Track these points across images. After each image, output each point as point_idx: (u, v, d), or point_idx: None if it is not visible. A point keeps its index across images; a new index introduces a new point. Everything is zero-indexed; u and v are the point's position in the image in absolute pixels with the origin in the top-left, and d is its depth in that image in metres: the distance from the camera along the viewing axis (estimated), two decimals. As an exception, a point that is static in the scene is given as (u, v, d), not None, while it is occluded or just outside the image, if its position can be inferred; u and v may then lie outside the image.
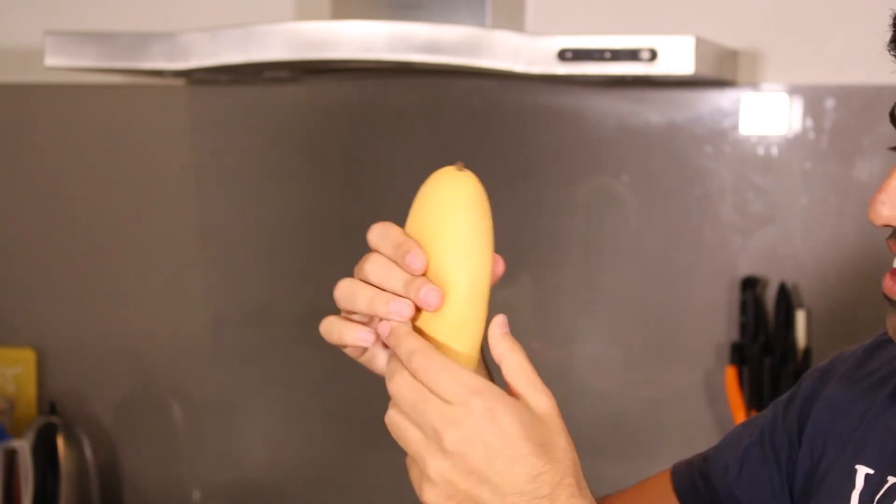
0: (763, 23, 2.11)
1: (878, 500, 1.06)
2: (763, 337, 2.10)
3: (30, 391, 2.41)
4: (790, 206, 2.12)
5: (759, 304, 2.11)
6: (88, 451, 2.33)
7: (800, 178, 2.12)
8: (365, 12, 2.04)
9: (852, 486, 1.10)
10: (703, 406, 2.16)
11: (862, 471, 1.10)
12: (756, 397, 2.10)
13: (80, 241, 2.41)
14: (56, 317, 2.43)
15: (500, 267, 0.99)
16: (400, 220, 1.00)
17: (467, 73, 2.08)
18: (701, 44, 1.86)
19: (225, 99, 2.33)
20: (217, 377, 2.38)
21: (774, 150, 2.12)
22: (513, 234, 2.22)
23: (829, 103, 2.09)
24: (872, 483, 1.08)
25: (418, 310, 0.97)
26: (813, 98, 2.10)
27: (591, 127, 2.19)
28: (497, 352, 0.97)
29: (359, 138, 2.29)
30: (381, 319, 0.98)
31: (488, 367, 1.08)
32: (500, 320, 0.98)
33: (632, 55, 1.84)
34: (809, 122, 2.10)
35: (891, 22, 0.98)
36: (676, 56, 1.83)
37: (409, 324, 0.97)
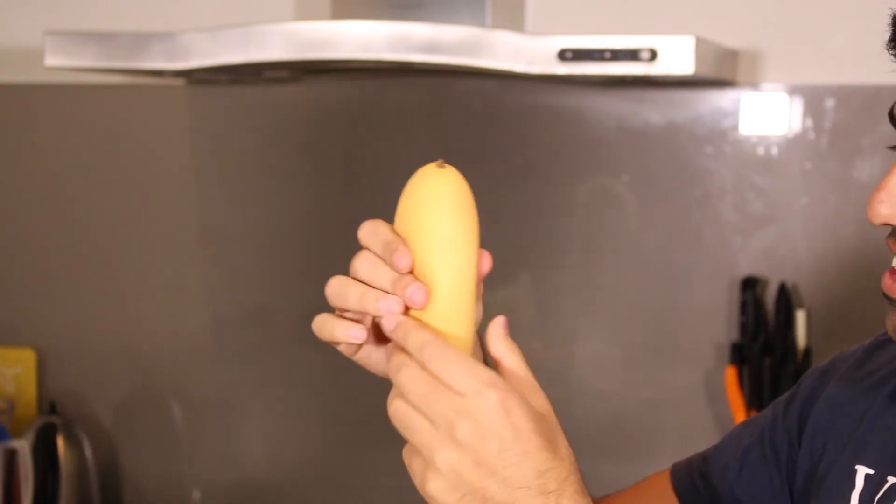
0: (763, 23, 2.11)
1: (878, 500, 1.06)
2: (763, 337, 2.10)
3: (30, 391, 2.41)
4: (790, 206, 2.12)
5: (759, 304, 2.11)
6: (88, 451, 2.33)
7: (800, 178, 2.12)
8: (365, 12, 2.04)
9: (852, 486, 1.09)
10: (703, 406, 2.16)
11: (862, 471, 1.10)
12: (756, 397, 2.10)
13: (80, 241, 2.41)
14: (56, 317, 2.43)
15: (487, 263, 0.99)
16: (399, 220, 1.00)
17: (467, 73, 2.09)
18: (701, 44, 1.86)
19: (225, 99, 2.33)
20: (217, 377, 2.38)
21: (774, 150, 2.12)
22: (513, 234, 2.22)
23: (829, 103, 2.09)
24: (872, 483, 1.08)
25: (407, 306, 0.97)
26: (813, 98, 2.10)
27: (591, 127, 2.19)
28: (497, 351, 0.97)
29: (359, 138, 2.29)
30: (374, 317, 0.99)
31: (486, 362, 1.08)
32: (500, 321, 0.98)
33: (632, 55, 1.84)
34: (809, 122, 2.10)
35: (890, 21, 0.98)
36: (676, 56, 1.83)
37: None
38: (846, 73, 2.08)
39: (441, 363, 0.93)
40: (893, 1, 0.99)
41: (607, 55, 1.85)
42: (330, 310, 1.02)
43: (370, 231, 0.99)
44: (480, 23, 2.02)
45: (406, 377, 0.94)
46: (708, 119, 2.14)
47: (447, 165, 0.98)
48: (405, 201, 0.98)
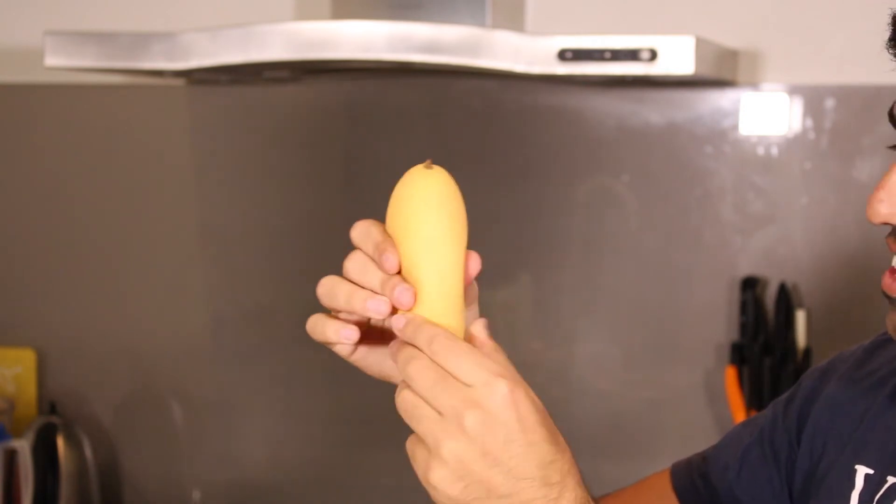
0: (763, 23, 2.11)
1: (878, 500, 1.06)
2: (763, 337, 2.10)
3: (30, 391, 2.41)
4: (790, 206, 2.12)
5: (759, 304, 2.11)
6: (88, 451, 2.33)
7: (800, 178, 2.12)
8: (365, 12, 2.04)
9: (852, 486, 1.10)
10: (703, 406, 2.16)
11: (862, 471, 1.10)
12: (756, 397, 2.10)
13: (80, 241, 2.41)
14: (56, 317, 2.43)
15: (475, 264, 1.00)
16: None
17: (467, 73, 2.08)
18: (701, 44, 1.86)
19: (225, 99, 2.33)
20: (217, 377, 2.38)
21: (774, 150, 2.12)
22: (513, 234, 2.22)
23: (829, 103, 2.09)
24: (872, 483, 1.08)
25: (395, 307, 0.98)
26: (813, 98, 2.10)
27: (591, 127, 2.19)
28: (484, 351, 0.97)
29: (359, 138, 2.29)
30: (370, 319, 1.00)
31: None
32: (482, 322, 0.99)
33: (632, 55, 1.84)
34: (809, 122, 2.10)
35: (890, 21, 0.98)
36: (676, 56, 1.83)
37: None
38: (846, 73, 2.08)
39: (450, 355, 0.94)
40: (893, 1, 0.99)
41: (607, 55, 1.85)
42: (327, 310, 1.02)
43: (362, 231, 1.00)
44: (480, 23, 2.02)
45: (415, 368, 0.94)
46: (708, 119, 2.14)
47: (435, 166, 0.99)
48: (394, 202, 0.99)
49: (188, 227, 2.37)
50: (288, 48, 1.93)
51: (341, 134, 2.30)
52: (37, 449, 2.29)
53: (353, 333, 1.00)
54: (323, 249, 2.29)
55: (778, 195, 2.13)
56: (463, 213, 0.99)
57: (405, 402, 0.95)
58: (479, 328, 0.98)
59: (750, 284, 2.11)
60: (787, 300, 2.09)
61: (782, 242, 2.13)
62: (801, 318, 2.10)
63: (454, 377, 0.93)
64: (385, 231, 0.99)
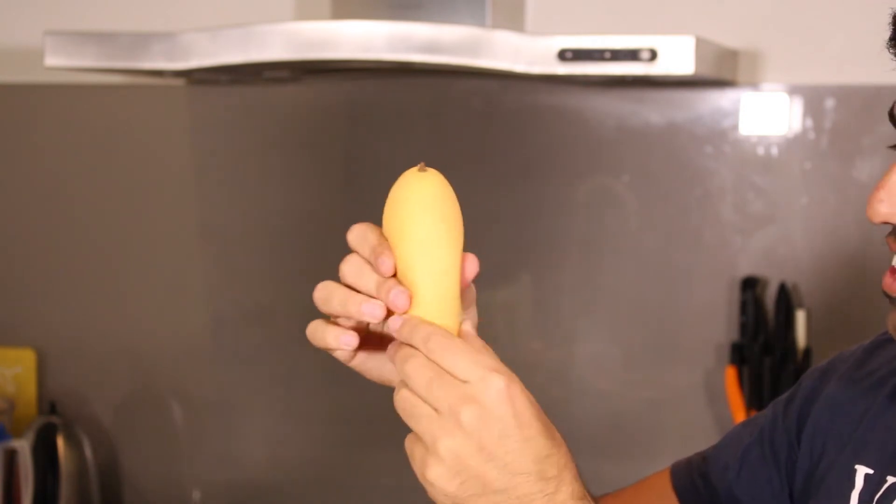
0: (763, 23, 2.11)
1: (878, 499, 1.07)
2: (763, 337, 2.10)
3: (30, 391, 2.41)
4: (790, 206, 2.12)
5: (759, 304, 2.11)
6: (88, 451, 2.33)
7: (800, 178, 2.12)
8: (365, 12, 2.04)
9: (852, 486, 1.10)
10: (703, 406, 2.16)
11: (861, 471, 1.10)
12: (756, 397, 2.10)
13: (80, 241, 2.41)
14: (56, 317, 2.43)
15: (472, 265, 1.00)
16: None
17: (467, 73, 2.08)
18: (701, 44, 1.86)
19: (225, 99, 2.33)
20: (217, 377, 2.38)
21: (774, 150, 2.12)
22: (513, 234, 2.22)
23: (829, 103, 2.09)
24: (872, 483, 1.08)
25: (390, 310, 0.98)
26: (813, 98, 2.10)
27: (591, 127, 2.19)
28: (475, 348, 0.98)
29: (359, 138, 2.29)
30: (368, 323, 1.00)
31: None
32: (471, 322, 1.00)
33: (632, 55, 1.84)
34: (809, 122, 2.10)
35: (890, 21, 0.98)
36: (676, 56, 1.83)
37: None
38: (846, 73, 2.08)
39: (446, 353, 0.94)
40: (893, 1, 0.99)
41: (607, 55, 1.85)
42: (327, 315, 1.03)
43: (359, 235, 1.00)
44: (480, 23, 2.02)
45: (412, 367, 0.95)
46: (708, 119, 2.14)
47: (429, 169, 0.99)
48: (388, 205, 0.99)
49: (188, 227, 2.37)
50: (288, 48, 1.93)
51: (341, 134, 2.30)
52: (37, 449, 2.29)
53: (353, 339, 1.00)
54: (323, 250, 2.29)
55: (778, 195, 2.13)
56: (458, 215, 0.99)
57: (403, 400, 0.95)
58: (468, 327, 0.99)
59: (750, 284, 2.11)
60: (787, 300, 2.09)
61: (782, 242, 2.13)
62: (801, 318, 2.10)
63: (450, 374, 0.94)
64: (381, 234, 0.99)
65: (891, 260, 1.00)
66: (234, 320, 2.36)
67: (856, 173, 2.08)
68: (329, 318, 1.02)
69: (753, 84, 2.12)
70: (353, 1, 2.07)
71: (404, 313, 0.97)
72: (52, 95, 2.39)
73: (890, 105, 1.00)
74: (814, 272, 2.11)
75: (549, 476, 0.94)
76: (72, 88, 2.37)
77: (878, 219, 0.98)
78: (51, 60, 2.02)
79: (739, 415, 2.09)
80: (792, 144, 2.11)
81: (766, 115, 2.12)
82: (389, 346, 1.00)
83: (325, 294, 1.00)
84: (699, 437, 2.06)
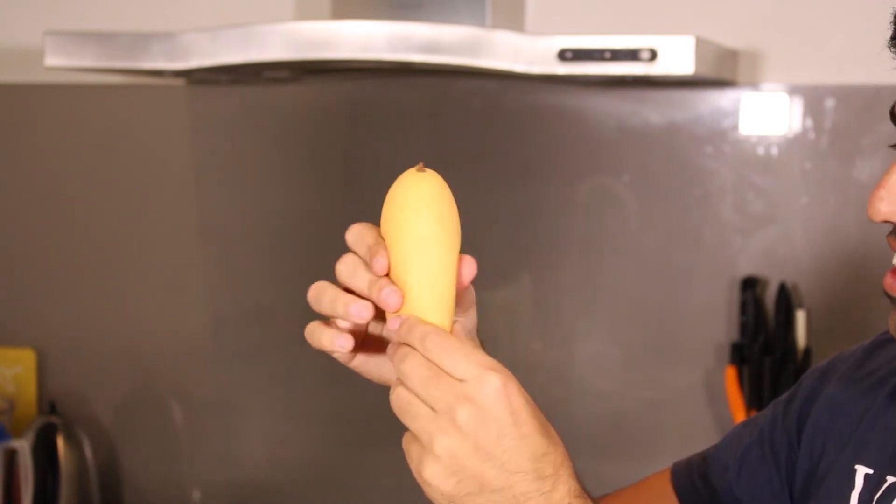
0: (763, 23, 2.11)
1: (878, 499, 1.06)
2: (763, 337, 2.10)
3: (30, 391, 2.41)
4: (790, 206, 2.12)
5: (759, 304, 2.11)
6: (88, 451, 2.33)
7: (800, 178, 2.12)
8: (365, 12, 2.04)
9: (852, 486, 1.10)
10: (703, 406, 2.16)
11: (861, 471, 1.10)
12: (756, 397, 2.10)
13: (80, 241, 2.41)
14: (56, 317, 2.43)
15: (470, 267, 1.00)
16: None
17: (467, 73, 2.08)
18: (701, 44, 1.86)
19: (225, 99, 2.33)
20: (217, 377, 2.38)
21: (774, 150, 2.12)
22: (513, 234, 2.22)
23: (829, 103, 2.09)
24: (872, 483, 1.08)
25: (381, 311, 0.98)
26: (813, 98, 2.10)
27: (591, 127, 2.19)
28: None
29: (359, 138, 2.29)
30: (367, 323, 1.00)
31: None
32: (462, 323, 1.00)
33: (632, 55, 1.84)
34: (809, 122, 2.10)
35: (891, 20, 0.98)
36: (676, 56, 1.83)
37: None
38: (846, 73, 2.08)
39: (442, 352, 0.94)
40: (894, 0, 0.99)
41: (607, 55, 1.85)
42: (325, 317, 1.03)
43: (356, 234, 1.00)
44: (480, 23, 2.02)
45: (408, 365, 0.95)
46: (708, 119, 2.14)
47: (427, 169, 0.99)
48: (386, 206, 1.00)
49: (188, 227, 2.37)
50: (288, 48, 1.93)
51: (341, 134, 2.30)
52: (37, 449, 2.29)
53: (348, 342, 1.00)
54: (323, 249, 2.28)
55: (778, 195, 2.13)
56: (455, 215, 0.99)
57: (399, 399, 0.95)
58: (458, 328, 0.99)
59: (750, 284, 2.11)
60: (787, 300, 2.09)
61: (782, 242, 2.13)
62: (801, 318, 2.10)
63: (447, 373, 0.93)
64: (378, 234, 0.99)
65: (891, 259, 1.00)
66: (234, 320, 2.36)
67: (856, 173, 2.08)
68: (327, 319, 1.02)
69: (753, 84, 2.12)
70: (353, 1, 2.07)
71: (396, 312, 0.97)
72: (52, 95, 2.39)
73: (890, 105, 1.00)
74: (814, 272, 2.11)
75: (545, 474, 0.94)
76: (72, 88, 2.37)
77: (878, 217, 0.98)
78: (51, 60, 2.02)
79: (739, 415, 2.09)
80: (792, 144, 2.11)
81: (766, 115, 2.12)
82: (389, 347, 1.00)
83: (316, 294, 1.00)
84: (699, 437, 2.06)
